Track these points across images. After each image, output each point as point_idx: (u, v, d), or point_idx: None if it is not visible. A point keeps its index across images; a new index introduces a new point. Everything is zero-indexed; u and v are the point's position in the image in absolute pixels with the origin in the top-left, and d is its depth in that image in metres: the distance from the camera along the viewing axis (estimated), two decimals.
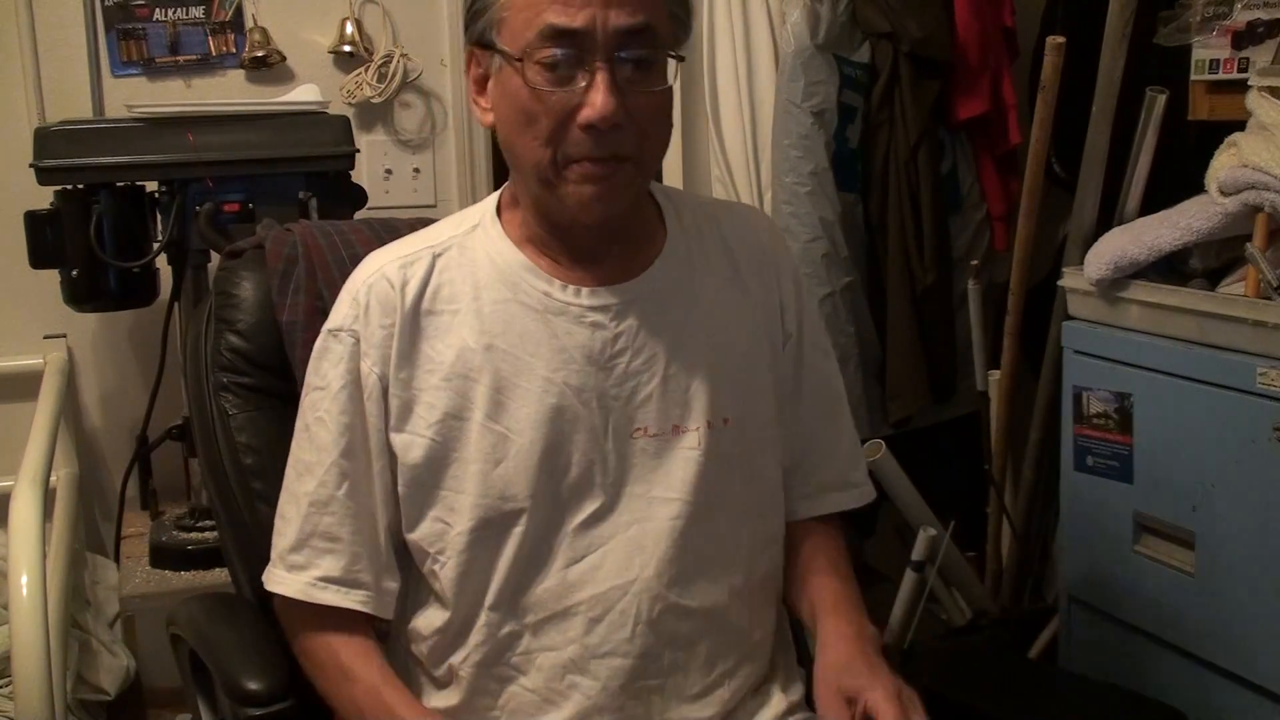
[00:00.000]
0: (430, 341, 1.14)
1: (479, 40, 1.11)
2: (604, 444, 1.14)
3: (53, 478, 1.92)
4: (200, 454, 1.40)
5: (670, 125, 1.14)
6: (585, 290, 1.15)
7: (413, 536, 1.16)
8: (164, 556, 2.14)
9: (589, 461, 1.13)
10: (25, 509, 1.67)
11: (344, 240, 1.40)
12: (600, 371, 1.14)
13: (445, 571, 1.14)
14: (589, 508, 1.14)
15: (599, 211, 1.10)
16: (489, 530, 1.12)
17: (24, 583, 1.58)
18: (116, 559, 2.31)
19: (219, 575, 2.07)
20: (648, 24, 1.06)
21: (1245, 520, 1.58)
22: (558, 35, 1.04)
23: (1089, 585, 1.86)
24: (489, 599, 1.13)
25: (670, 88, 1.10)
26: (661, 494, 1.14)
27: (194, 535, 2.16)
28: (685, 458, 1.15)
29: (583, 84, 1.05)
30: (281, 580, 1.17)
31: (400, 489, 1.15)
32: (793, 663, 1.28)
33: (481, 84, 1.14)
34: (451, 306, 1.15)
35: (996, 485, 2.20)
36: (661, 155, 1.16)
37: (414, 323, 1.14)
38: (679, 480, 1.14)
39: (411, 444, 1.14)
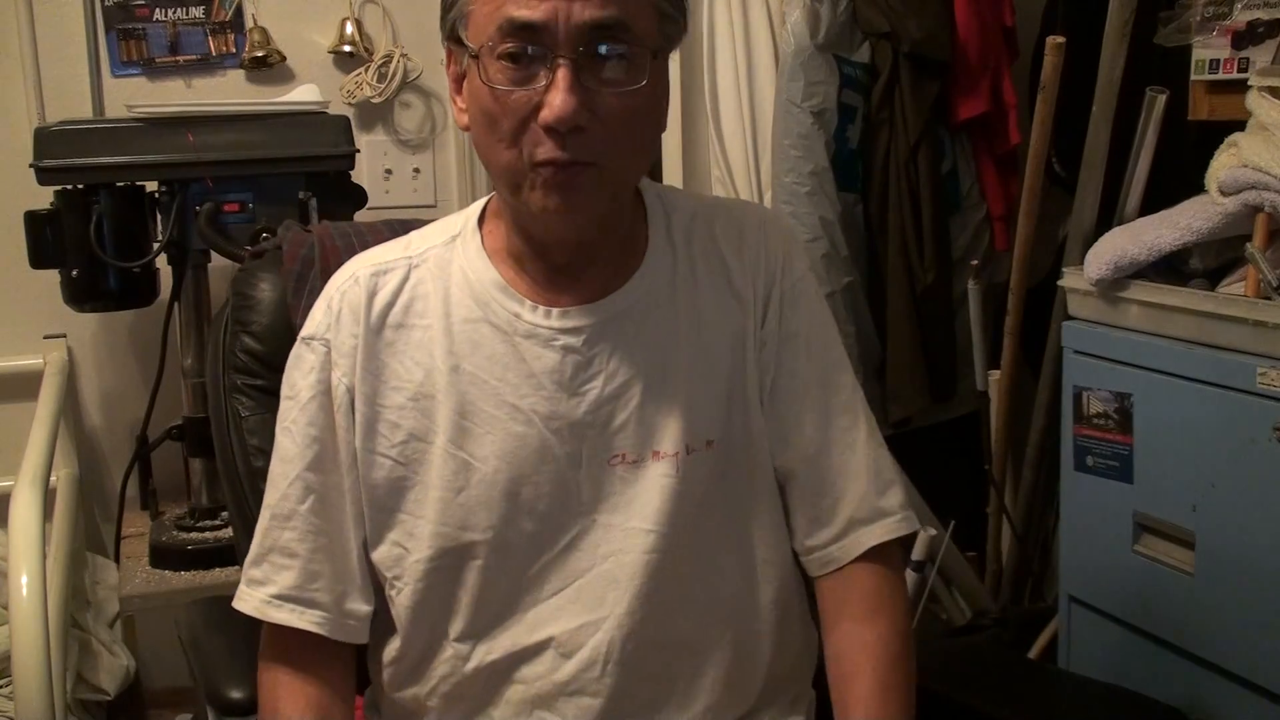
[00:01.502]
0: (399, 357, 1.09)
1: (450, 35, 1.04)
2: (577, 473, 1.07)
3: (53, 478, 1.92)
4: (216, 455, 1.39)
5: (652, 129, 1.06)
6: (556, 311, 1.07)
7: (374, 557, 1.10)
8: (164, 556, 2.13)
9: (559, 492, 1.07)
10: (25, 509, 1.68)
11: (362, 243, 1.36)
12: (572, 398, 1.07)
13: (401, 599, 1.09)
14: (560, 540, 1.07)
15: (565, 224, 1.03)
16: (448, 560, 1.07)
17: (24, 583, 1.58)
18: (116, 559, 2.31)
19: (219, 575, 2.07)
20: (619, 18, 0.98)
21: (1245, 520, 1.58)
22: (517, 29, 0.97)
23: (1089, 585, 1.86)
24: (453, 631, 1.08)
25: (647, 87, 1.01)
26: (638, 524, 1.07)
27: (194, 535, 2.16)
28: (660, 485, 1.07)
29: (543, 82, 0.97)
30: (241, 596, 1.11)
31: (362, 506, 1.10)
32: (803, 686, 1.20)
33: (460, 83, 1.06)
34: (423, 321, 1.09)
35: (996, 485, 2.20)
36: (639, 162, 1.07)
37: (379, 335, 1.09)
38: (654, 510, 1.07)
39: (373, 463, 1.08)
